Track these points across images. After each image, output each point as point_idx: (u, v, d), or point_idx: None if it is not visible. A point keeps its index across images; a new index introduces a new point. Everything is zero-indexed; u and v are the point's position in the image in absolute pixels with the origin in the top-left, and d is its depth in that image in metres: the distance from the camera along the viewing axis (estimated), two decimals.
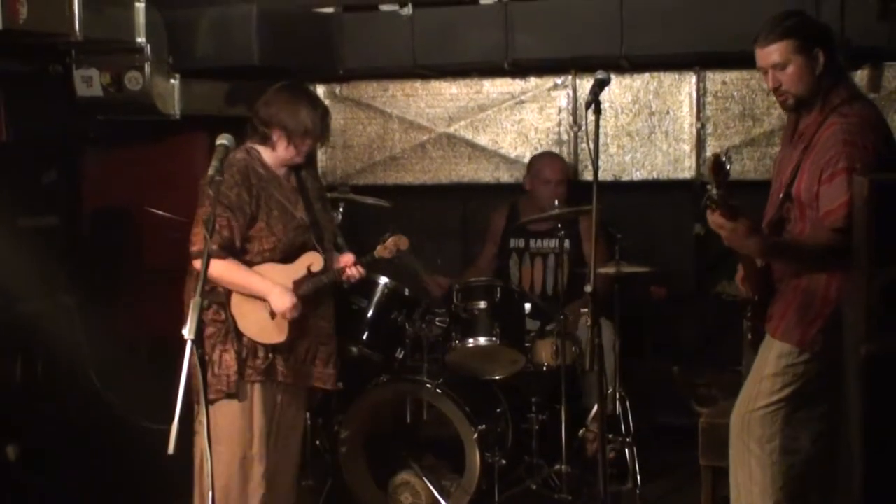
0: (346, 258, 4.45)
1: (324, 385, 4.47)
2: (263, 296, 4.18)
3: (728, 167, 3.41)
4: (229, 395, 4.18)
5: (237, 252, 4.18)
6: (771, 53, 3.85)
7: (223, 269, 4.13)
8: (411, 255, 5.34)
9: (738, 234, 3.54)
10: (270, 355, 4.25)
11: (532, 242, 5.94)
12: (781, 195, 3.88)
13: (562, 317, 5.23)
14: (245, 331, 4.21)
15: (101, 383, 5.64)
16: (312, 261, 4.29)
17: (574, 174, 6.37)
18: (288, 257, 4.26)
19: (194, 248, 4.14)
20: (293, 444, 4.53)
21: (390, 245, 4.47)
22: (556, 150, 6.33)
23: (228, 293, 4.21)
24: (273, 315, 4.21)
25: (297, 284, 4.25)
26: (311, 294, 4.28)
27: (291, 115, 4.24)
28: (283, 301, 4.16)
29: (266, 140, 4.28)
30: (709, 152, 6.11)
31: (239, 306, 4.21)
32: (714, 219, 3.55)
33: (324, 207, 4.49)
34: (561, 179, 5.91)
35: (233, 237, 4.15)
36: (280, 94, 4.32)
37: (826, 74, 3.84)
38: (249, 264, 4.22)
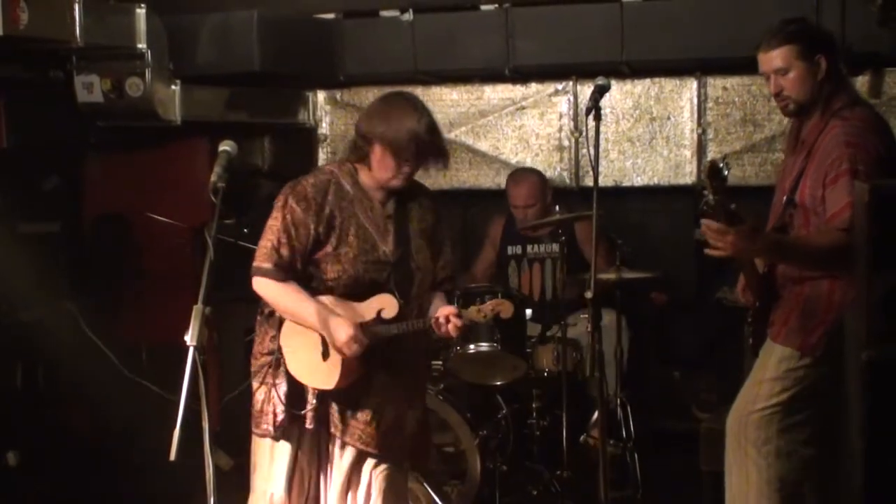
0: (448, 309, 3.78)
1: (392, 456, 3.86)
2: (319, 327, 3.64)
3: (726, 173, 3.40)
4: (271, 436, 3.78)
5: (299, 275, 3.69)
6: (773, 58, 3.87)
7: (278, 293, 3.66)
8: None
9: (741, 238, 3.52)
10: (316, 402, 3.75)
11: (529, 248, 5.94)
12: (784, 201, 3.89)
13: (563, 322, 5.23)
14: (291, 369, 3.73)
15: (99, 394, 5.64)
16: (385, 304, 3.70)
17: (575, 180, 6.37)
18: (356, 293, 3.71)
19: (255, 264, 3.68)
20: None
21: (487, 309, 3.80)
22: (556, 155, 6.33)
23: (281, 322, 3.75)
24: (325, 356, 3.70)
25: (361, 329, 3.68)
26: (377, 343, 3.71)
27: (387, 125, 3.66)
28: (341, 332, 3.61)
29: (362, 156, 3.73)
30: (710, 158, 6.11)
31: (290, 339, 3.74)
32: (715, 228, 3.53)
33: (428, 247, 3.86)
34: (528, 204, 5.83)
35: (293, 257, 3.66)
36: (380, 103, 3.82)
37: (827, 81, 3.85)
38: (311, 293, 3.70)
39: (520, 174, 6.05)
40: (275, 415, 3.75)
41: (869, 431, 3.20)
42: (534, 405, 5.39)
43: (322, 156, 6.64)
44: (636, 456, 5.39)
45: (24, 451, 5.32)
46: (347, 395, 3.76)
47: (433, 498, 5.06)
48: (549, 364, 5.26)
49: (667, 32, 5.72)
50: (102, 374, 5.63)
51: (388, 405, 3.81)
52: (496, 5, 5.97)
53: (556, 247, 5.61)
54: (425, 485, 5.07)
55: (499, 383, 5.36)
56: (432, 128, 3.71)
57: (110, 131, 5.83)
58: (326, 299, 3.70)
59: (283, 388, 3.74)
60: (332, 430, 3.79)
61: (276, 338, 3.77)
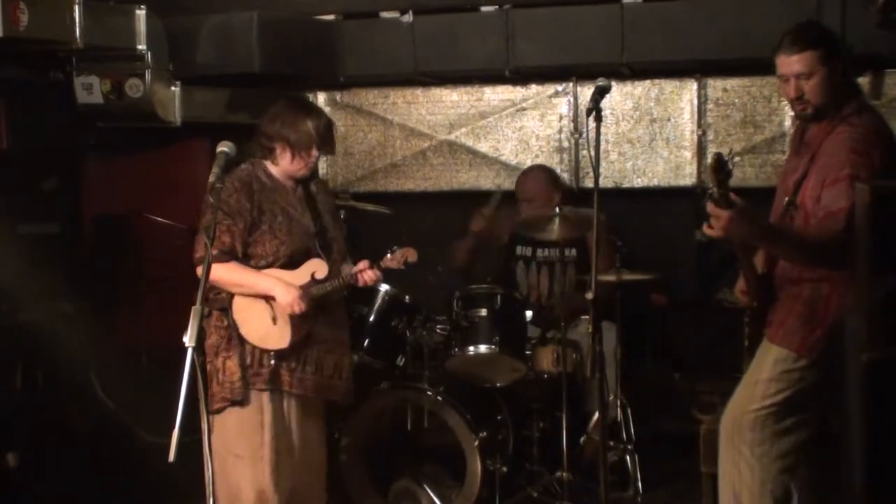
0: (364, 262, 4.41)
1: (335, 397, 4.47)
2: (267, 292, 4.18)
3: (730, 167, 3.40)
4: (234, 403, 4.19)
5: (239, 257, 4.20)
6: (794, 63, 3.84)
7: (224, 272, 4.14)
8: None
9: (735, 219, 3.49)
10: (274, 363, 4.23)
11: (539, 251, 5.92)
12: (786, 202, 3.88)
13: (562, 323, 5.22)
14: (247, 336, 4.22)
15: (101, 390, 5.63)
16: (317, 268, 4.27)
17: (575, 181, 6.37)
18: (292, 263, 4.25)
19: (196, 256, 4.18)
20: (317, 457, 4.52)
21: (399, 256, 4.42)
22: (556, 157, 6.33)
23: (230, 298, 4.22)
24: (275, 320, 4.20)
25: (302, 290, 4.23)
26: (316, 301, 4.26)
27: (294, 128, 4.24)
28: (287, 294, 4.15)
29: (270, 154, 4.30)
30: (710, 160, 6.09)
31: (241, 311, 4.22)
32: (710, 210, 3.52)
33: (333, 219, 4.52)
34: (528, 198, 5.80)
35: (233, 242, 4.17)
36: (282, 109, 4.32)
37: (841, 86, 3.86)
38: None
39: (528, 169, 6.09)
40: (232, 384, 4.20)
41: (869, 432, 3.20)
42: (534, 406, 5.38)
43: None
44: (636, 457, 5.38)
45: (24, 452, 5.31)
46: (297, 354, 4.29)
47: (433, 499, 5.06)
48: (549, 365, 5.25)
49: (667, 34, 5.71)
50: (102, 375, 5.63)
51: (328, 355, 4.38)
52: (496, 6, 5.97)
53: (565, 252, 5.58)
54: (425, 486, 5.08)
55: (499, 385, 5.36)
56: (329, 124, 4.37)
57: (110, 132, 5.82)
58: (268, 271, 4.23)
59: (235, 359, 4.20)
60: (289, 388, 4.28)
61: (221, 317, 4.23)
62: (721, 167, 3.40)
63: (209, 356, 4.19)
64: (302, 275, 4.25)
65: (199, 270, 4.00)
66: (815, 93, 3.85)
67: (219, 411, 4.16)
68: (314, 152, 4.30)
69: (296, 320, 4.22)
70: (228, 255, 4.16)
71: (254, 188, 4.23)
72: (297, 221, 4.29)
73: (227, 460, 4.21)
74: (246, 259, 4.22)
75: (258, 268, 4.22)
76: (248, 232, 4.20)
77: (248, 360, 4.22)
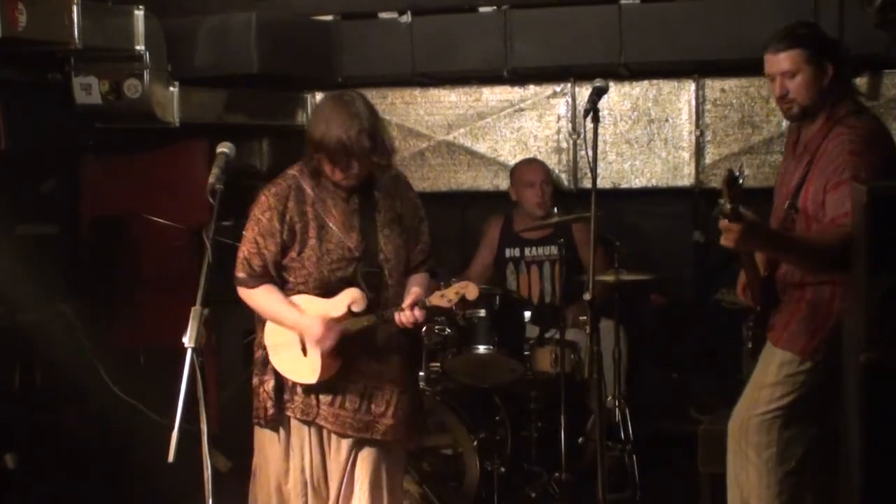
0: (409, 298, 3.78)
1: (377, 436, 3.89)
2: (294, 328, 3.80)
3: (741, 182, 3.40)
4: (262, 426, 3.95)
5: (274, 279, 3.84)
6: (781, 61, 3.85)
7: (252, 298, 3.84)
8: None
9: (745, 232, 3.50)
10: (303, 394, 3.86)
11: (527, 251, 5.94)
12: (786, 206, 3.88)
13: (561, 323, 5.22)
14: (277, 366, 3.87)
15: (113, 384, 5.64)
16: (354, 298, 3.77)
17: (573, 182, 6.37)
18: (326, 292, 3.80)
19: (238, 275, 3.86)
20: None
21: (451, 294, 3.76)
22: (555, 157, 6.33)
23: (264, 321, 3.91)
24: (306, 352, 3.81)
25: (330, 324, 3.79)
26: (352, 336, 3.79)
27: (322, 132, 3.68)
28: (312, 329, 3.74)
29: (311, 160, 3.79)
30: (708, 160, 6.12)
31: (272, 337, 3.89)
32: (722, 225, 3.53)
33: (399, 235, 3.89)
34: (544, 180, 5.91)
35: (264, 265, 3.81)
36: (318, 108, 3.86)
37: (833, 87, 3.85)
38: (288, 294, 3.84)
39: (527, 159, 6.15)
40: (265, 409, 3.91)
41: (867, 433, 3.20)
42: (532, 407, 5.38)
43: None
44: (634, 458, 5.39)
45: (22, 453, 5.31)
46: (333, 387, 3.85)
47: (432, 500, 5.06)
48: (548, 366, 5.26)
49: (665, 34, 5.72)
50: (100, 376, 5.63)
51: (376, 391, 3.89)
52: (494, 7, 5.98)
53: (554, 249, 5.60)
54: (424, 487, 5.08)
55: (497, 385, 5.36)
56: (366, 132, 3.67)
57: (108, 133, 5.81)
58: (299, 299, 3.82)
59: (271, 383, 3.90)
60: (323, 422, 3.87)
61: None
62: (733, 183, 3.39)
63: (255, 369, 3.95)
64: (338, 305, 3.78)
65: (240, 292, 3.84)
66: (800, 91, 3.86)
67: (255, 424, 3.97)
68: (347, 159, 3.69)
69: (327, 355, 3.79)
70: (259, 280, 3.81)
71: (289, 205, 3.79)
72: (337, 243, 3.79)
73: (257, 472, 4.04)
74: (281, 284, 3.86)
75: (291, 293, 3.84)
76: (281, 255, 3.81)
77: (286, 387, 3.88)
